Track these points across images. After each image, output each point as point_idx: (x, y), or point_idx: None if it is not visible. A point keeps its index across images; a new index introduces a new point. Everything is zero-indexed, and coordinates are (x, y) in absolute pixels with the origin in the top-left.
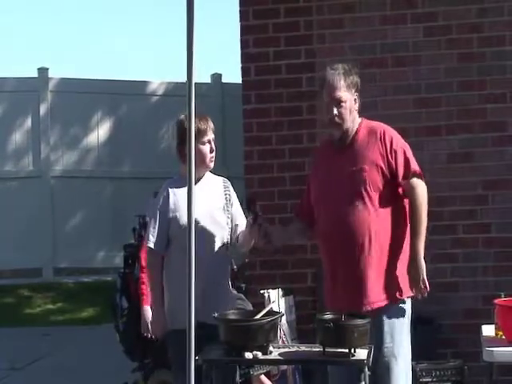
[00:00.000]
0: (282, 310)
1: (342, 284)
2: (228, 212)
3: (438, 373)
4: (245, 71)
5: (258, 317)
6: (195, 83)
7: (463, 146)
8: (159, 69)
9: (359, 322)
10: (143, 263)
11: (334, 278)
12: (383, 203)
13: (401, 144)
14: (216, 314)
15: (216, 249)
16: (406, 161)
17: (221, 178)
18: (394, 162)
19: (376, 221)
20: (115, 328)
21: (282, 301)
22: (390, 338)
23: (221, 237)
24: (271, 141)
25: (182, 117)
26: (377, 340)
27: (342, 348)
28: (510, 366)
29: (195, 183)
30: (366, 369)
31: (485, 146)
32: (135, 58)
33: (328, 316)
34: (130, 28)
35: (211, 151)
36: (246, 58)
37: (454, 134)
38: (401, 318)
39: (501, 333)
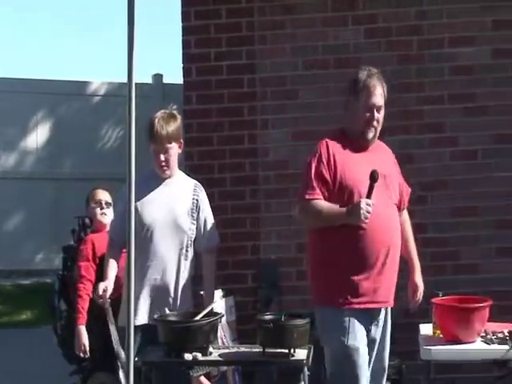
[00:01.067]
0: (222, 310)
1: (384, 279)
2: (193, 217)
3: None
4: (186, 72)
5: (197, 318)
6: (136, 84)
7: (401, 147)
8: (101, 69)
9: (299, 322)
10: (82, 273)
11: (377, 272)
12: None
13: None
14: (155, 316)
15: (175, 251)
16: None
17: (193, 182)
18: (403, 187)
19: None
20: (53, 331)
21: (223, 302)
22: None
23: (181, 240)
24: (212, 141)
25: (156, 115)
26: (383, 341)
27: (281, 348)
28: (447, 364)
29: (162, 182)
30: (306, 369)
31: (422, 148)
32: (77, 59)
33: (268, 316)
34: (71, 28)
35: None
36: (187, 58)
37: (393, 135)
38: None
39: (438, 331)
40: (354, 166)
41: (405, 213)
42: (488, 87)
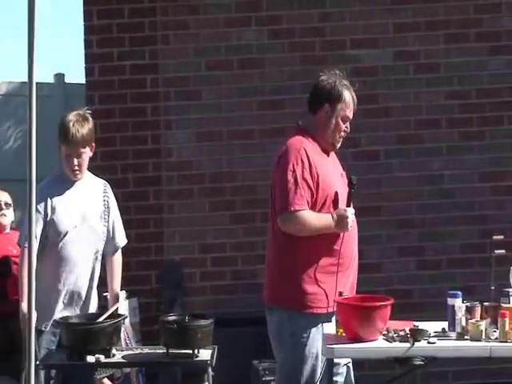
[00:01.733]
0: (126, 312)
1: (350, 280)
2: (105, 220)
3: None
4: (88, 71)
5: (100, 320)
6: (37, 83)
7: None
8: (1, 68)
9: (203, 322)
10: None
11: (348, 275)
12: None
13: None
14: (57, 318)
15: (89, 256)
16: None
17: (101, 182)
18: None
19: None
20: None
21: (126, 303)
22: None
23: (95, 244)
24: (115, 142)
25: (67, 116)
26: None
27: (185, 349)
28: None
29: (72, 185)
30: (210, 369)
31: None
32: None
33: (171, 317)
34: None
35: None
36: (89, 58)
37: None
38: None
39: (341, 330)
40: (328, 172)
41: None
42: (390, 89)
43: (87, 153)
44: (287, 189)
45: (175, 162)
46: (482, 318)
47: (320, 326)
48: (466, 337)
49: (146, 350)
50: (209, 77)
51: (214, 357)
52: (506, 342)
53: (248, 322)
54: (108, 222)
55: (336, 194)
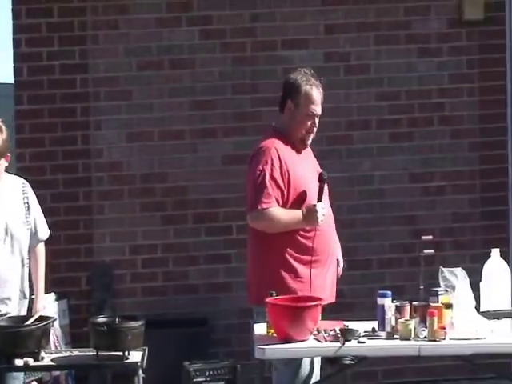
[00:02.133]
0: (55, 314)
1: (330, 276)
2: (28, 223)
3: (211, 372)
4: (17, 71)
5: (28, 322)
6: None
7: (237, 149)
8: None
9: (133, 324)
10: None
11: (326, 271)
12: None
13: None
14: None
15: (16, 263)
16: None
17: (20, 182)
18: None
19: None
20: None
21: (55, 305)
22: None
23: (21, 254)
24: (44, 143)
25: None
26: None
27: (116, 351)
28: None
29: None
30: (140, 371)
31: None
32: None
33: (101, 319)
34: None
35: None
36: (18, 57)
37: (228, 136)
38: None
39: (272, 331)
40: (300, 169)
41: None
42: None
43: (2, 164)
44: (256, 188)
45: (105, 162)
46: (411, 317)
47: None
48: (395, 336)
49: (76, 353)
50: (139, 77)
51: (145, 358)
52: (435, 340)
53: (179, 323)
54: (30, 222)
55: (308, 191)
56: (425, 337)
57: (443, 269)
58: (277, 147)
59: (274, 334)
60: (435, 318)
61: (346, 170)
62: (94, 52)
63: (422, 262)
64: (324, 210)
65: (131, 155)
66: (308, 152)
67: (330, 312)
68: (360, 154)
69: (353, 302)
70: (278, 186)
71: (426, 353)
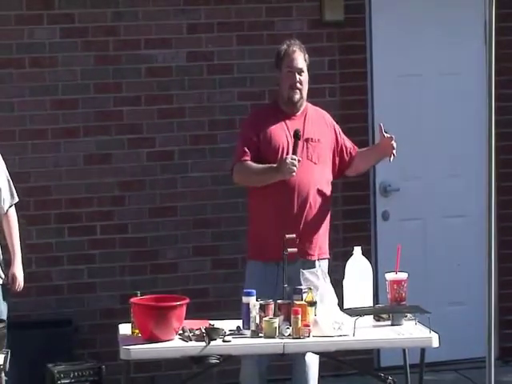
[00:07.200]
0: None
1: (305, 231)
2: None
3: (76, 374)
4: None
5: None
6: None
7: (100, 148)
8: None
9: None
10: None
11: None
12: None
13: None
14: None
15: None
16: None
17: None
18: (343, 143)
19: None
20: None
21: None
22: None
23: None
24: None
25: None
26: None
27: None
28: (146, 362)
29: None
30: (3, 374)
31: (121, 148)
32: None
33: None
34: None
35: None
36: None
37: (91, 135)
38: None
39: (137, 331)
40: (279, 130)
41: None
42: (184, 89)
43: None
44: (235, 148)
45: None
46: (275, 315)
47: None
48: (260, 334)
49: None
50: (0, 75)
51: (8, 361)
52: (299, 338)
53: (43, 324)
54: None
55: (282, 149)
56: (289, 334)
57: (303, 271)
58: (257, 112)
59: (140, 334)
60: (299, 316)
61: (210, 169)
62: None
63: (285, 261)
64: (295, 161)
65: None
66: (309, 117)
67: (195, 311)
68: (224, 154)
69: (218, 300)
70: (252, 143)
71: (291, 350)
